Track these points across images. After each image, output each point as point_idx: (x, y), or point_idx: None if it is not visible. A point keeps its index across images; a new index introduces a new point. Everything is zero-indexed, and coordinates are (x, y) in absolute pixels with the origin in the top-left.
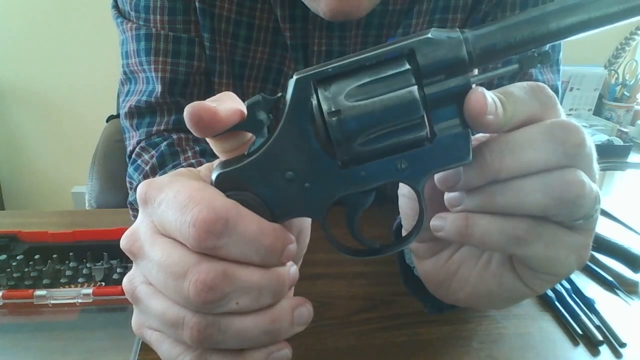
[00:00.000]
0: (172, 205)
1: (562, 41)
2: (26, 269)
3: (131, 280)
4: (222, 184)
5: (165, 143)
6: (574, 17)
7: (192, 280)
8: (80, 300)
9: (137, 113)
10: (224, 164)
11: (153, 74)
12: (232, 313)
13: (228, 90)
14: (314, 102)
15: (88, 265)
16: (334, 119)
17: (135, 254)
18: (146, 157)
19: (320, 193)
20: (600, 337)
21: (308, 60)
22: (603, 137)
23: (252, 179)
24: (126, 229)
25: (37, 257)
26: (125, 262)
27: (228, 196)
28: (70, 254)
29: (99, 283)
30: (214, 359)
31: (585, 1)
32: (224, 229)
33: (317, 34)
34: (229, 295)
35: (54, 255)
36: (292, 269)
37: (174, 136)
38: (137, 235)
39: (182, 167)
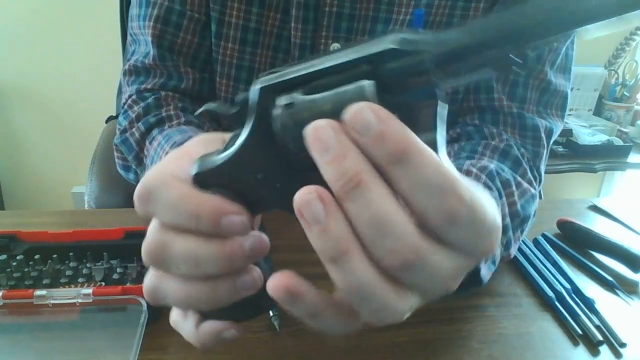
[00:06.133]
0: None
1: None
2: (26, 269)
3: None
4: (201, 182)
5: (153, 97)
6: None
7: None
8: (80, 300)
9: (135, 71)
10: (202, 160)
11: (149, 38)
12: None
13: (241, 60)
14: (275, 112)
15: (88, 265)
16: (287, 111)
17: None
18: (135, 107)
19: (293, 192)
20: (600, 337)
21: (318, 22)
22: (603, 137)
23: (226, 178)
24: (126, 229)
25: (37, 257)
26: (126, 262)
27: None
28: (70, 254)
29: (99, 283)
30: None
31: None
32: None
33: None
34: None
35: (54, 255)
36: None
37: (162, 93)
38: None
39: (162, 117)
